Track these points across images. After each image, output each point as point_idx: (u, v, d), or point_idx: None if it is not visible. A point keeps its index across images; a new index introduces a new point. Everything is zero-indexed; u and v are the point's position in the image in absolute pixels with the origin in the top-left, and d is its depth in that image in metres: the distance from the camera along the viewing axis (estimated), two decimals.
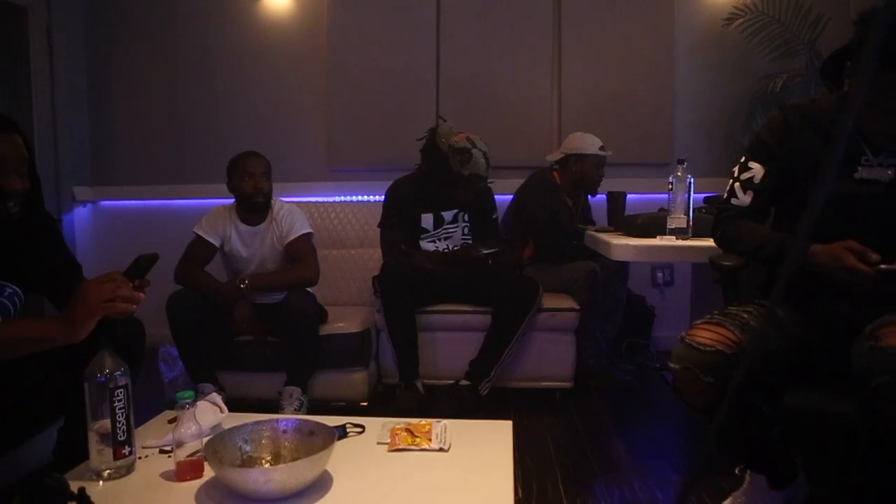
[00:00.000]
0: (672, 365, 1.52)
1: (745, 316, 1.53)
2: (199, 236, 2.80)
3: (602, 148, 3.27)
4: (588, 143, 3.27)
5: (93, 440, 1.37)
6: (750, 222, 1.71)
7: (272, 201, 2.87)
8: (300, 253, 2.80)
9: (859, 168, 1.56)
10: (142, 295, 1.48)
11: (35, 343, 1.44)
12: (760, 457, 1.70)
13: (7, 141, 1.50)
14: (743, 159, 1.75)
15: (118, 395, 1.36)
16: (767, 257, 1.64)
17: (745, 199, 1.72)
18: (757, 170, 1.70)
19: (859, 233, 1.47)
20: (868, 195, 1.54)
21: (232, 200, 2.88)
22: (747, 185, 1.71)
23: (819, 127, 1.63)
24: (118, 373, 1.37)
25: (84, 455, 1.39)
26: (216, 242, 2.81)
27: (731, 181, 1.76)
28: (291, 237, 2.80)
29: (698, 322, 1.54)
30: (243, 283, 2.70)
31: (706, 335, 1.48)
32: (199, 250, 2.79)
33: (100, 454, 1.37)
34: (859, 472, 1.46)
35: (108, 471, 1.37)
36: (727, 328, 1.48)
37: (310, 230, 2.87)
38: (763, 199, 1.71)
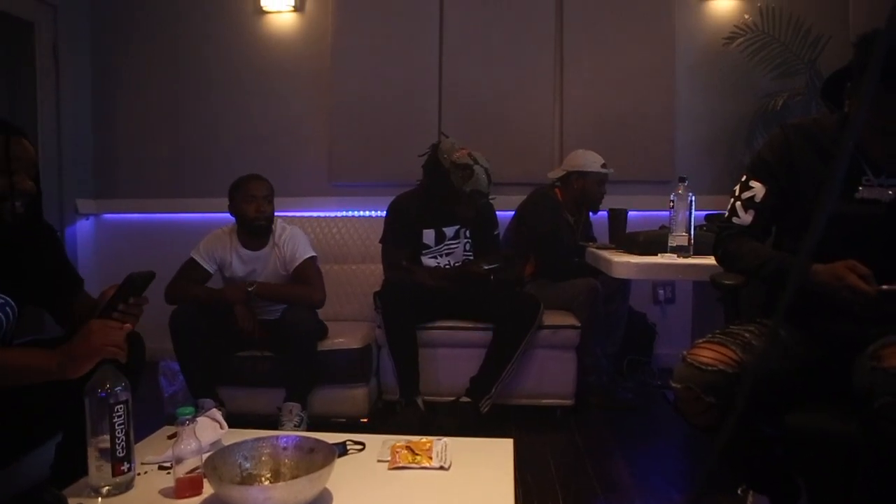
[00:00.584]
0: (674, 384, 1.51)
1: (747, 335, 1.53)
2: (194, 260, 2.78)
3: (604, 166, 3.28)
4: (590, 160, 3.28)
5: (92, 456, 1.36)
6: (751, 241, 1.71)
7: (273, 224, 2.86)
8: (307, 277, 2.79)
9: (860, 188, 1.56)
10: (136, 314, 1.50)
11: (30, 374, 1.43)
12: (762, 477, 1.69)
13: (19, 143, 1.53)
14: (744, 178, 1.75)
15: (118, 411, 1.36)
16: (768, 276, 1.64)
17: (746, 217, 1.72)
18: (758, 189, 1.70)
19: (860, 252, 1.47)
20: (869, 215, 1.54)
21: (232, 221, 2.87)
22: (748, 203, 1.71)
23: (820, 146, 1.63)
24: (119, 388, 1.37)
25: (83, 471, 1.39)
26: (211, 269, 2.80)
27: (732, 200, 1.77)
28: (296, 262, 2.80)
29: (700, 341, 1.54)
30: (251, 286, 2.70)
31: (708, 354, 1.48)
32: (192, 273, 2.76)
33: (99, 470, 1.36)
34: (861, 493, 1.45)
35: (106, 487, 1.36)
36: (729, 347, 1.48)
37: (314, 253, 2.86)
38: (764, 218, 1.71)
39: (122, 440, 1.36)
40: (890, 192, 1.53)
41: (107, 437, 1.35)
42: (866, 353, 1.36)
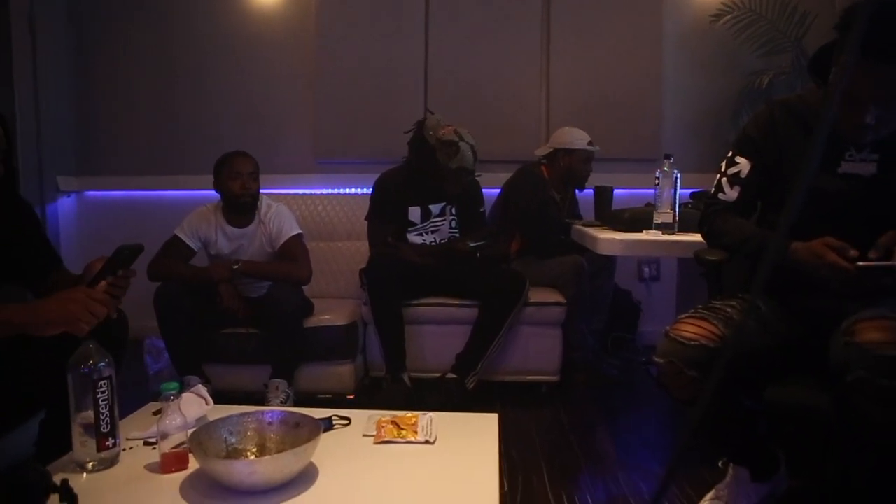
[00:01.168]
0: (657, 359, 1.53)
1: (729, 310, 1.55)
2: (178, 238, 2.76)
3: (590, 143, 3.28)
4: (576, 137, 3.28)
5: (76, 432, 1.36)
6: (736, 217, 1.73)
7: (259, 201, 2.84)
8: (293, 255, 2.78)
9: (842, 163, 1.57)
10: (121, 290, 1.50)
11: None
12: (742, 450, 1.72)
13: None
14: (730, 154, 1.76)
15: (101, 387, 1.35)
16: (750, 252, 1.66)
17: (731, 193, 1.73)
18: (743, 164, 1.71)
19: (840, 227, 1.49)
20: (849, 190, 1.56)
21: (217, 198, 2.85)
22: (734, 179, 1.72)
23: (805, 122, 1.64)
24: (102, 364, 1.36)
25: (67, 447, 1.38)
26: (195, 246, 2.78)
27: (718, 176, 1.77)
28: (282, 240, 2.78)
29: (683, 316, 1.55)
30: (236, 264, 2.69)
31: (690, 329, 1.49)
32: (176, 251, 2.74)
33: (83, 446, 1.36)
34: (835, 466, 1.48)
35: (91, 463, 1.36)
36: (711, 322, 1.50)
37: (299, 231, 2.85)
38: (749, 194, 1.72)
39: (106, 416, 1.35)
40: (871, 167, 1.54)
41: (90, 412, 1.34)
42: (840, 329, 1.37)
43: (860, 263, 1.42)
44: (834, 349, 1.38)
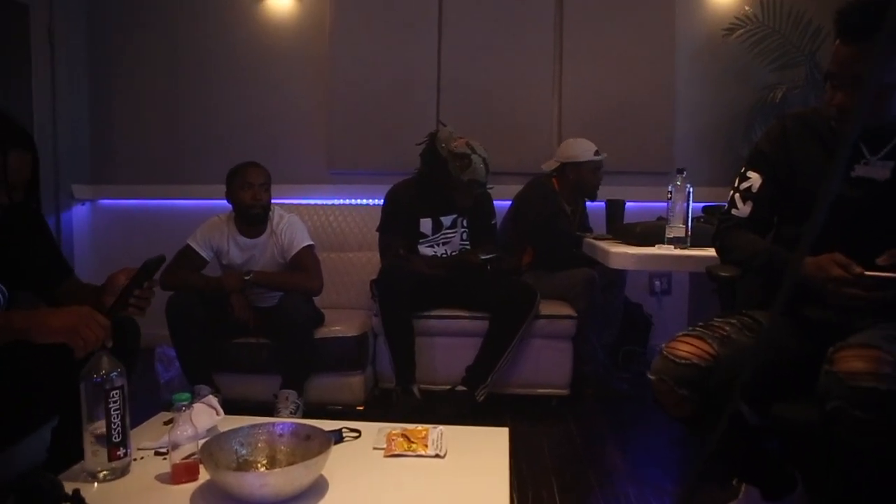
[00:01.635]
0: (650, 376, 1.54)
1: (727, 329, 1.53)
2: (190, 247, 2.78)
3: (597, 152, 3.27)
4: (582, 149, 3.28)
5: (88, 441, 1.36)
6: (748, 233, 1.72)
7: (270, 211, 2.85)
8: (304, 265, 2.79)
9: (856, 167, 1.55)
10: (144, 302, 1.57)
11: None
12: (751, 468, 1.70)
13: (20, 159, 1.54)
14: (743, 170, 1.75)
15: (114, 397, 1.35)
16: (759, 268, 1.65)
17: (744, 209, 1.72)
18: (755, 179, 1.71)
19: (854, 232, 1.47)
20: (863, 195, 1.53)
21: (229, 208, 2.86)
22: (746, 194, 1.72)
23: (818, 133, 1.63)
24: (114, 374, 1.37)
25: (78, 455, 1.39)
26: (207, 256, 2.80)
27: (731, 192, 1.77)
28: (294, 251, 2.79)
29: (680, 334, 1.55)
30: (248, 274, 2.70)
31: (684, 348, 1.49)
32: (188, 261, 2.76)
33: (95, 455, 1.36)
34: (835, 482, 1.46)
35: (103, 472, 1.36)
36: (706, 341, 1.49)
37: (311, 242, 2.86)
38: (762, 209, 1.71)
39: (117, 426, 1.36)
40: (886, 172, 1.52)
41: (102, 422, 1.35)
42: (826, 355, 1.35)
43: (867, 273, 1.40)
44: (820, 375, 1.36)
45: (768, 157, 1.69)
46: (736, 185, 1.76)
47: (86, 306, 1.48)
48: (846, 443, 1.27)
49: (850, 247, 1.45)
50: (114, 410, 1.35)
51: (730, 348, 1.48)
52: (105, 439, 1.36)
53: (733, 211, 1.75)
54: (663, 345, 1.54)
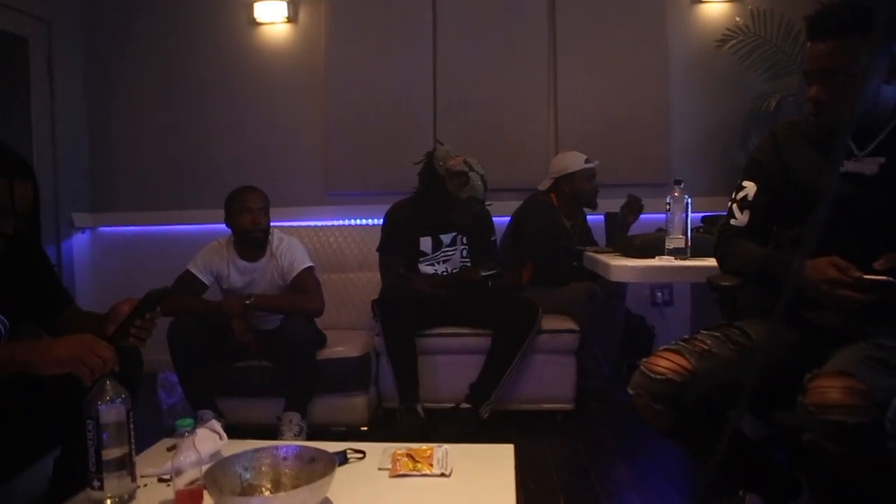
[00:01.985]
0: (629, 391, 1.54)
1: (709, 342, 1.53)
2: (190, 272, 2.78)
3: (587, 160, 3.28)
4: (572, 160, 3.29)
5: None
6: (745, 242, 1.72)
7: (270, 234, 2.85)
8: (305, 287, 2.79)
9: (846, 162, 1.56)
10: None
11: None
12: (754, 479, 1.68)
13: (24, 188, 1.55)
14: (739, 181, 1.77)
15: (89, 426, 1.34)
16: (755, 274, 1.66)
17: (742, 218, 1.73)
18: (749, 188, 1.73)
19: (845, 226, 1.46)
20: (853, 189, 1.53)
21: (228, 232, 2.86)
22: (743, 203, 1.73)
23: (807, 136, 1.65)
24: (118, 400, 1.37)
25: (81, 485, 1.38)
26: (207, 281, 2.80)
27: (729, 203, 1.78)
28: (294, 273, 2.80)
29: (662, 348, 1.55)
30: (248, 299, 2.70)
31: (662, 363, 1.49)
32: (188, 286, 2.76)
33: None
34: (838, 491, 1.44)
35: (109, 500, 1.35)
36: (684, 356, 1.49)
37: (311, 264, 2.86)
38: (758, 216, 1.72)
39: (93, 456, 1.34)
40: (875, 167, 1.52)
41: (111, 450, 1.35)
42: (803, 382, 1.33)
43: (865, 276, 1.39)
44: (796, 405, 1.33)
45: (762, 164, 1.72)
46: (734, 196, 1.77)
47: (88, 334, 1.48)
48: (820, 471, 1.25)
49: (841, 242, 1.44)
50: (89, 440, 1.34)
51: (709, 362, 1.47)
52: (112, 464, 1.35)
53: (732, 221, 1.76)
54: (644, 360, 1.54)
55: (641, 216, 3.39)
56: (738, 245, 1.73)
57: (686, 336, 1.58)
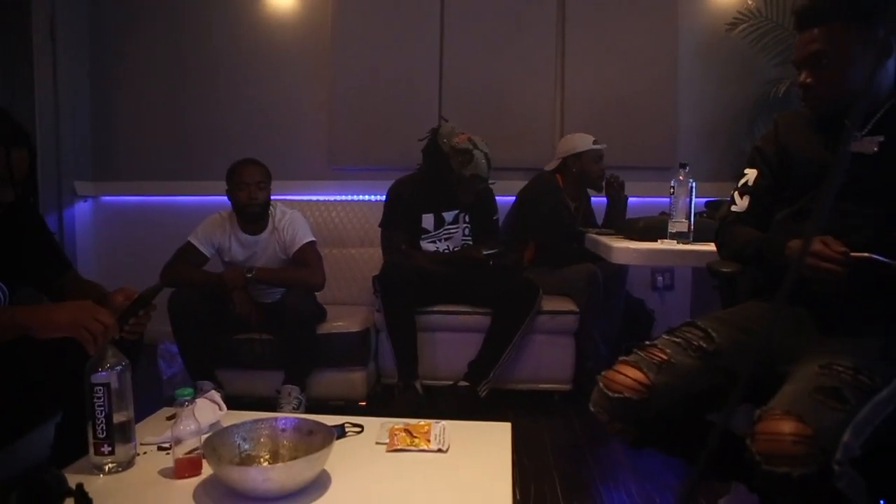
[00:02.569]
0: (590, 407, 1.51)
1: (668, 352, 1.47)
2: (191, 244, 2.77)
3: (595, 142, 3.27)
4: (580, 141, 3.29)
5: (92, 435, 1.37)
6: (744, 227, 1.72)
7: (272, 208, 2.84)
8: (306, 261, 2.79)
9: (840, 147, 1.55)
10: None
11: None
12: (739, 471, 1.67)
13: (21, 156, 1.54)
14: (743, 170, 1.78)
15: (97, 392, 1.36)
16: (751, 256, 1.66)
17: (742, 203, 1.73)
18: (750, 174, 1.74)
19: (845, 205, 1.47)
20: (853, 168, 1.51)
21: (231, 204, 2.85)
22: (743, 189, 1.74)
23: (808, 120, 1.66)
24: (119, 368, 1.37)
25: (83, 451, 1.39)
26: (208, 253, 2.79)
27: (732, 191, 1.79)
28: (296, 247, 2.79)
29: (622, 358, 1.51)
30: (250, 272, 2.70)
31: (618, 379, 1.45)
32: (189, 257, 2.76)
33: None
34: None
35: (108, 465, 1.37)
36: (641, 370, 1.44)
37: (313, 238, 2.85)
38: (758, 199, 1.72)
39: (101, 421, 1.36)
40: (874, 147, 1.52)
41: (116, 415, 1.37)
42: (753, 418, 1.27)
43: (851, 254, 1.37)
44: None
45: (763, 151, 1.73)
46: (737, 185, 1.78)
47: (88, 301, 1.48)
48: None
49: (840, 221, 1.44)
50: (98, 406, 1.36)
51: (668, 375, 1.43)
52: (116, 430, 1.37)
53: (732, 207, 1.76)
54: (603, 373, 1.51)
55: (645, 199, 3.39)
56: (736, 230, 1.73)
57: (645, 343, 1.53)
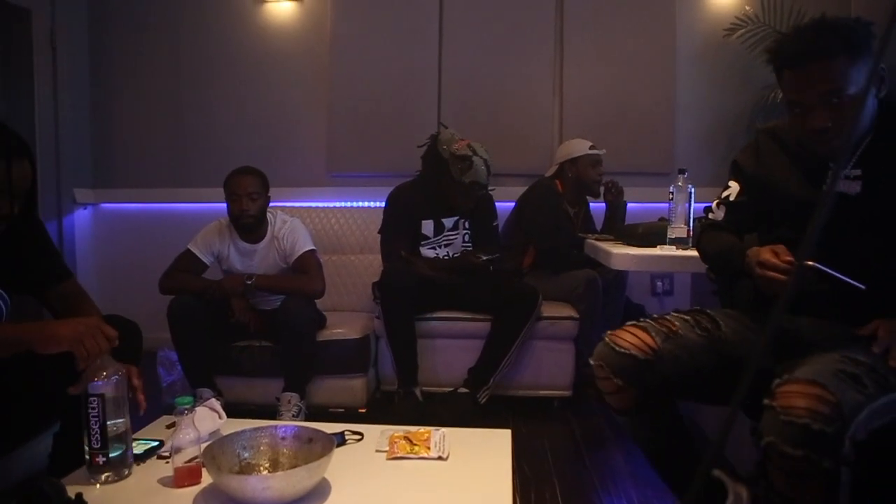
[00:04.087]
0: (591, 360, 1.55)
1: (678, 324, 1.51)
2: (190, 252, 2.77)
3: (592, 147, 3.28)
4: (577, 146, 3.30)
5: (87, 445, 1.37)
6: (719, 233, 1.73)
7: (271, 215, 2.84)
8: (306, 269, 2.78)
9: (828, 180, 1.54)
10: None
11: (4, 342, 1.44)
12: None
13: (22, 168, 1.54)
14: (727, 180, 1.79)
15: (92, 403, 1.35)
16: (722, 265, 1.68)
17: (718, 213, 1.76)
18: (734, 188, 1.74)
19: (829, 244, 1.45)
20: (835, 208, 1.49)
21: None
22: (723, 201, 1.75)
23: (787, 147, 1.64)
24: (115, 378, 1.37)
25: (80, 461, 1.39)
26: (208, 261, 2.79)
27: (715, 199, 1.81)
28: (295, 256, 2.79)
29: (629, 323, 1.54)
30: (249, 278, 2.70)
31: (627, 338, 1.49)
32: (188, 264, 2.76)
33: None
34: None
35: (105, 474, 1.37)
36: (649, 334, 1.48)
37: (313, 247, 2.85)
38: (733, 214, 1.73)
39: (96, 431, 1.36)
40: (856, 187, 1.50)
41: (112, 425, 1.36)
42: (771, 387, 1.29)
43: (805, 263, 1.34)
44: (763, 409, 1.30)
45: (743, 170, 1.72)
46: (720, 193, 1.79)
47: (94, 318, 1.48)
48: (776, 486, 1.22)
49: (824, 259, 1.43)
50: (92, 416, 1.35)
51: (674, 344, 1.47)
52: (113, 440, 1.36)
53: (710, 215, 1.79)
54: (609, 331, 1.54)
55: (644, 205, 3.39)
56: (710, 236, 1.75)
57: (655, 315, 1.57)
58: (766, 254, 1.43)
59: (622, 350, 1.46)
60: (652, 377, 1.44)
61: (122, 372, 1.40)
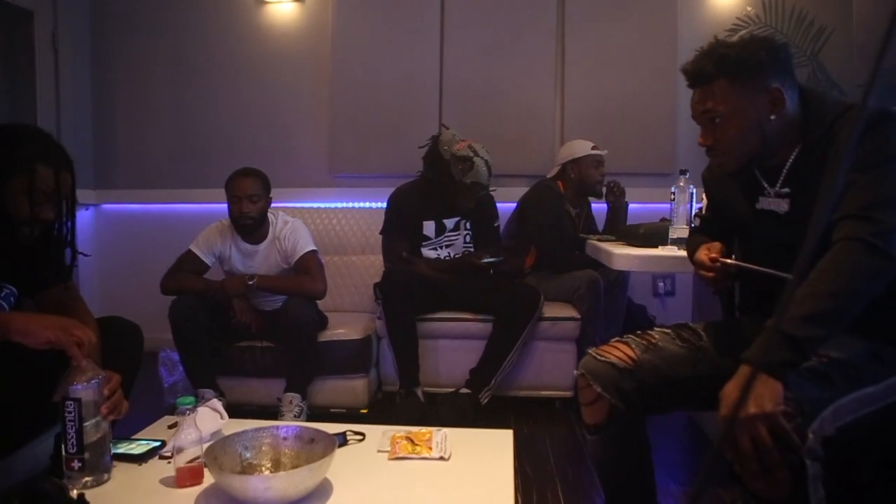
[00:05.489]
0: (575, 372, 1.61)
1: (657, 337, 1.56)
2: (192, 252, 2.77)
3: (594, 147, 3.28)
4: (579, 147, 3.30)
5: (63, 450, 1.37)
6: (700, 236, 1.77)
7: (272, 216, 2.84)
8: (308, 270, 2.79)
9: (760, 199, 1.57)
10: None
11: None
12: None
13: (65, 178, 1.64)
14: None
15: (68, 407, 1.34)
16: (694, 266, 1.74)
17: (696, 222, 1.93)
18: (704, 202, 1.89)
19: (765, 261, 1.49)
20: (767, 226, 1.55)
21: None
22: (700, 213, 1.92)
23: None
24: (95, 381, 1.37)
25: None
26: (209, 262, 2.79)
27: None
28: (297, 257, 2.79)
29: (613, 340, 1.60)
30: (251, 279, 2.70)
31: (609, 350, 1.55)
32: (190, 265, 2.76)
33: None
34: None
35: (84, 480, 1.36)
36: (630, 347, 1.54)
37: (314, 248, 2.85)
38: (705, 227, 1.81)
39: (72, 436, 1.34)
40: (785, 205, 1.51)
41: (91, 430, 1.36)
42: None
43: (720, 260, 1.54)
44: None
45: (707, 186, 1.79)
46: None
47: (74, 320, 1.49)
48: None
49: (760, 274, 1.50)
50: (68, 420, 1.34)
51: (653, 355, 1.51)
52: (96, 445, 1.36)
53: (695, 221, 1.92)
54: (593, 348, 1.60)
55: (645, 205, 3.38)
56: (693, 238, 1.80)
57: (638, 332, 1.63)
58: (700, 253, 1.59)
59: (602, 359, 1.52)
60: (630, 384, 1.48)
61: (102, 376, 1.39)
